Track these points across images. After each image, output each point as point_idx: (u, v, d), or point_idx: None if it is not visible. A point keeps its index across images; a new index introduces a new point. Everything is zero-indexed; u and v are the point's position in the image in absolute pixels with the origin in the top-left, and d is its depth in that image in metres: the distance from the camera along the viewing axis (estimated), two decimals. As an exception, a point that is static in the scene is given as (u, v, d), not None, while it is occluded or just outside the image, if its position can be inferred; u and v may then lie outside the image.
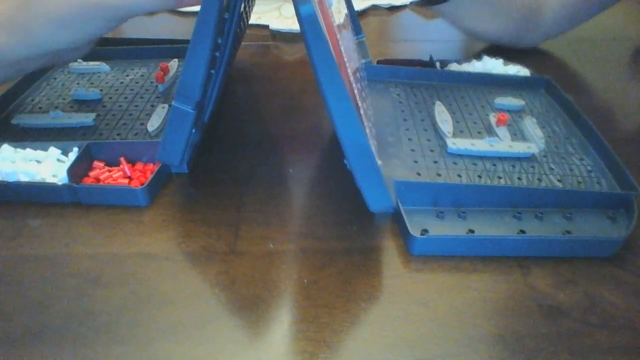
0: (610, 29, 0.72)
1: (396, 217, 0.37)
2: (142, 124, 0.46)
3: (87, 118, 0.45)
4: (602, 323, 0.31)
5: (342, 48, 0.34)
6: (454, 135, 0.45)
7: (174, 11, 0.77)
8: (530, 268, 0.34)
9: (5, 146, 0.41)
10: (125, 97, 0.50)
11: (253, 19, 0.72)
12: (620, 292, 0.33)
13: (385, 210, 0.34)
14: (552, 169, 0.42)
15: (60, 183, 0.38)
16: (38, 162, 0.40)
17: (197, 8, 0.34)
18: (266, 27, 0.71)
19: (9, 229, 0.37)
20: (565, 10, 0.62)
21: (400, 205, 0.37)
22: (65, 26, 0.39)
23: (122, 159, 0.41)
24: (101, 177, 0.40)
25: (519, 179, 0.40)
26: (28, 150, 0.41)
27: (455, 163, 0.42)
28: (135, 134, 0.44)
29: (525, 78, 0.54)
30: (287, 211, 0.39)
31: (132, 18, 0.40)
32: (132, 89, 0.52)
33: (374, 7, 0.79)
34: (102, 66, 0.55)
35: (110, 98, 0.50)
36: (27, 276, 0.33)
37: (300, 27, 0.29)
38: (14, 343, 0.29)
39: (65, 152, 0.41)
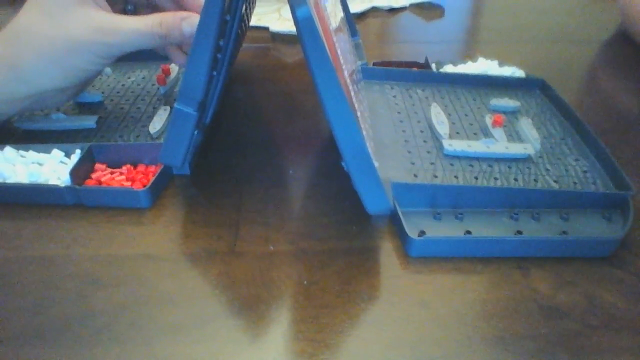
0: (605, 30, 0.72)
1: (394, 219, 0.38)
2: (144, 126, 0.46)
3: (89, 120, 0.46)
4: (602, 324, 0.31)
5: (338, 51, 0.34)
6: (450, 136, 0.45)
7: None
8: (529, 269, 0.35)
9: (8, 148, 0.41)
10: (127, 100, 0.51)
11: (253, 21, 0.72)
12: (619, 292, 0.33)
13: (383, 212, 0.35)
14: (548, 169, 0.42)
15: (62, 185, 0.39)
16: (40, 164, 0.41)
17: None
18: (266, 29, 0.71)
19: (11, 229, 0.37)
20: None
21: (397, 206, 0.37)
22: (55, 61, 0.39)
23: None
24: (103, 179, 0.40)
25: (515, 180, 0.41)
26: (31, 152, 0.41)
27: (451, 164, 0.42)
28: (137, 136, 0.45)
29: (520, 79, 0.55)
30: (286, 212, 0.39)
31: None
32: (133, 91, 0.52)
33: (374, 9, 0.79)
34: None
35: (112, 100, 0.50)
36: (27, 277, 0.34)
37: (296, 29, 0.29)
38: (14, 343, 0.30)
39: (67, 154, 0.41)
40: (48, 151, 0.41)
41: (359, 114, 0.35)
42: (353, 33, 0.56)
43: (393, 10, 0.79)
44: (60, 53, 0.39)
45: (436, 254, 0.35)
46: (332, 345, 0.30)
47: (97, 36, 0.39)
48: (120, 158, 0.42)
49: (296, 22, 0.29)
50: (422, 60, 0.59)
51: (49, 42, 0.39)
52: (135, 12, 0.48)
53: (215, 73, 0.39)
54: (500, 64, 0.57)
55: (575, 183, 0.41)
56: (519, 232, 0.37)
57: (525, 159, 0.43)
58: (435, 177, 0.41)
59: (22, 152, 0.41)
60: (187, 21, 0.41)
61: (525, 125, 0.46)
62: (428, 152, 0.43)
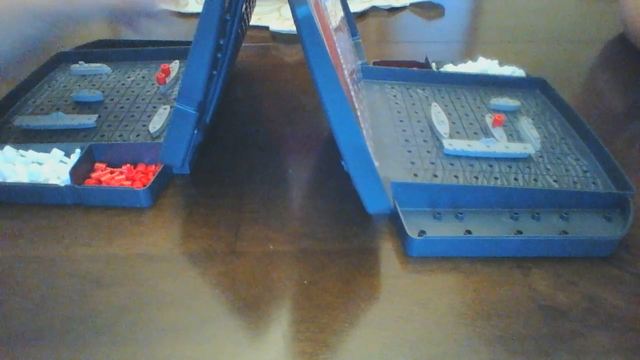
0: (605, 30, 0.72)
1: (394, 218, 0.38)
2: (143, 126, 0.46)
3: (88, 119, 0.46)
4: (602, 324, 0.31)
5: (338, 50, 0.34)
6: (451, 136, 0.45)
7: (175, 12, 0.77)
8: (530, 269, 0.35)
9: (8, 148, 0.41)
10: (127, 99, 0.50)
11: (253, 20, 0.72)
12: (619, 292, 0.33)
13: (383, 212, 0.35)
14: (548, 169, 0.42)
15: (62, 184, 0.39)
16: (40, 163, 0.40)
17: (199, 9, 0.34)
18: (266, 28, 0.71)
19: (11, 229, 0.37)
20: None
21: (397, 206, 0.37)
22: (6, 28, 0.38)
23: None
24: (103, 178, 0.40)
25: (516, 179, 0.41)
26: (31, 151, 0.41)
27: (452, 164, 0.42)
28: (137, 136, 0.45)
29: (520, 79, 0.55)
30: (286, 212, 0.39)
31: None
32: (133, 91, 0.52)
33: (374, 9, 0.79)
34: (103, 68, 0.55)
35: (112, 99, 0.50)
36: (28, 277, 0.34)
37: (296, 28, 0.29)
38: (14, 343, 0.30)
39: (67, 154, 0.41)
40: (48, 150, 0.41)
41: (359, 113, 0.35)
42: (353, 32, 0.56)
43: (393, 10, 0.79)
44: (13, 20, 0.38)
45: (436, 254, 0.35)
46: (332, 345, 0.30)
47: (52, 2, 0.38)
48: (120, 157, 0.42)
49: (296, 21, 0.29)
50: (422, 60, 0.59)
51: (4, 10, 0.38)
52: None
53: (215, 72, 0.39)
54: (501, 64, 0.57)
55: (575, 183, 0.41)
56: (519, 232, 0.37)
57: (526, 159, 0.43)
58: (436, 176, 0.41)
59: (22, 151, 0.41)
60: None
61: (526, 124, 0.46)
62: (428, 151, 0.43)
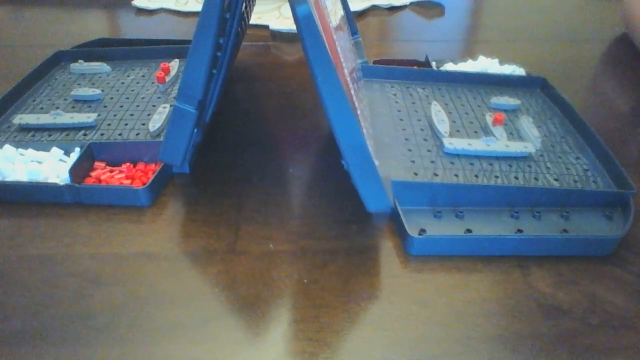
0: (606, 29, 0.72)
1: (394, 217, 0.38)
2: (143, 124, 0.46)
3: (88, 118, 0.46)
4: (602, 322, 0.31)
5: (338, 49, 0.34)
6: (451, 135, 0.45)
7: (174, 11, 0.77)
8: (530, 268, 0.35)
9: (7, 146, 0.41)
10: (127, 97, 0.50)
11: (253, 19, 0.72)
12: (620, 291, 0.33)
13: (383, 211, 0.34)
14: (549, 168, 0.42)
15: (62, 183, 0.39)
16: (39, 162, 0.40)
17: (199, 8, 0.34)
18: (266, 27, 0.71)
19: (10, 228, 0.37)
20: None
21: (397, 205, 0.37)
22: None
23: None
24: (103, 177, 0.40)
25: (516, 178, 0.41)
26: (30, 150, 0.41)
27: (452, 163, 0.42)
28: (137, 134, 0.45)
29: (521, 77, 0.55)
30: (286, 211, 0.39)
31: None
32: (133, 89, 0.52)
33: (374, 8, 0.79)
34: (103, 67, 0.55)
35: (112, 98, 0.50)
36: (27, 276, 0.34)
37: (296, 27, 0.29)
38: (13, 343, 0.30)
39: (67, 153, 0.41)
40: (47, 149, 0.41)
41: (359, 112, 0.35)
42: (353, 31, 0.56)
43: (393, 9, 0.79)
44: None
45: (436, 253, 0.35)
46: (332, 344, 0.30)
47: None
48: (120, 156, 0.42)
49: (296, 20, 0.29)
50: (422, 59, 0.59)
51: None
52: None
53: (215, 71, 0.39)
54: (501, 63, 0.57)
55: (575, 181, 0.41)
56: (520, 231, 0.37)
57: (526, 158, 0.43)
58: (436, 175, 0.41)
59: (21, 150, 0.41)
60: None
61: (526, 123, 0.46)
62: (428, 150, 0.43)
